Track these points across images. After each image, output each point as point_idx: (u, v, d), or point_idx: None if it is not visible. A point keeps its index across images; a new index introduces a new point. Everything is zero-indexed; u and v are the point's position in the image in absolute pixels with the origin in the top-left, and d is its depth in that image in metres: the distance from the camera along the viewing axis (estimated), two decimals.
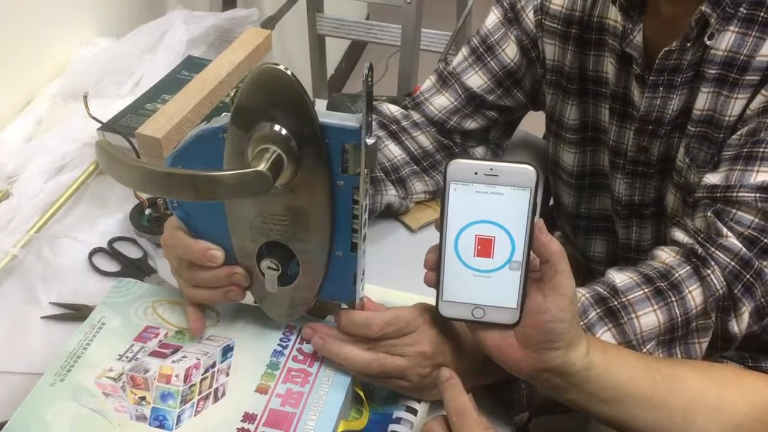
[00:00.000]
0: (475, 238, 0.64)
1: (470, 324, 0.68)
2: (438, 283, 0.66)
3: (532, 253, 0.64)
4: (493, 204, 0.62)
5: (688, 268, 0.79)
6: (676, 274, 0.79)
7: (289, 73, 0.60)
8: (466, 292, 0.65)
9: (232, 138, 0.64)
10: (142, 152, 0.98)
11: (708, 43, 0.81)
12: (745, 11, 0.80)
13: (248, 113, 0.62)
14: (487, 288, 0.65)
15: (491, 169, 0.62)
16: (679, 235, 0.83)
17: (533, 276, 0.65)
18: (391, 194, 0.97)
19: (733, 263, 0.78)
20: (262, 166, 0.60)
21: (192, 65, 1.20)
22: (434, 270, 0.66)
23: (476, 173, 0.62)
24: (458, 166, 0.62)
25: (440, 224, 0.64)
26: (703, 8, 0.79)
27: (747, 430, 0.67)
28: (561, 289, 0.63)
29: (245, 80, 0.61)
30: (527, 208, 0.62)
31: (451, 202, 0.63)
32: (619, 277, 0.80)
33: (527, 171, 0.61)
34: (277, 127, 0.61)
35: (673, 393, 0.68)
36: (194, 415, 0.68)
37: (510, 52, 0.99)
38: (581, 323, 0.76)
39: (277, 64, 0.59)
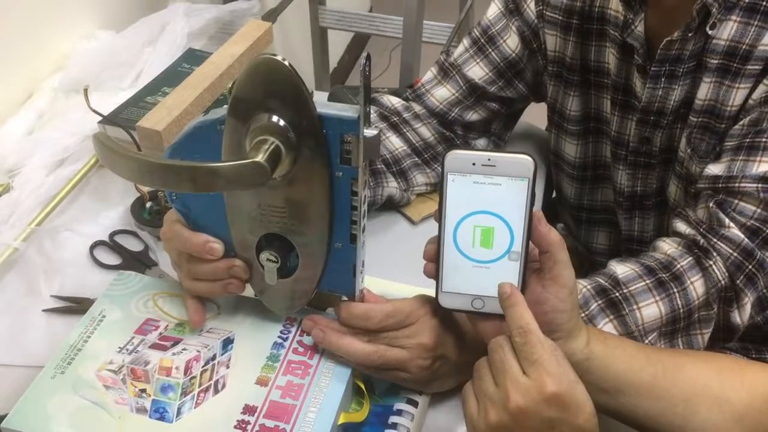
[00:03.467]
0: (474, 229, 0.64)
1: (470, 315, 0.68)
2: (437, 275, 0.66)
3: (531, 243, 0.64)
4: (491, 194, 0.62)
5: (690, 259, 0.79)
6: (678, 265, 0.78)
7: (286, 63, 0.59)
8: (466, 283, 0.65)
9: (229, 129, 0.63)
10: (143, 145, 0.98)
11: (710, 32, 0.81)
12: (747, 0, 0.79)
13: (246, 104, 0.62)
14: (486, 279, 0.65)
15: (489, 159, 0.61)
16: (681, 226, 0.83)
17: (532, 266, 0.65)
18: (392, 186, 0.96)
19: (735, 254, 0.78)
20: (260, 157, 0.59)
21: (193, 58, 1.20)
22: (433, 261, 0.66)
23: (474, 164, 0.62)
24: (456, 156, 0.62)
25: (439, 215, 0.64)
26: None
27: (750, 419, 0.67)
28: (560, 279, 0.63)
29: (242, 71, 0.61)
30: (525, 198, 0.62)
31: (450, 193, 0.63)
32: (621, 269, 0.79)
33: (525, 161, 0.61)
34: (274, 118, 0.61)
35: (674, 383, 0.67)
36: (194, 408, 0.68)
37: (511, 43, 0.98)
38: (582, 315, 0.75)
39: (275, 55, 0.59)
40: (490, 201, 0.63)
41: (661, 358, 0.69)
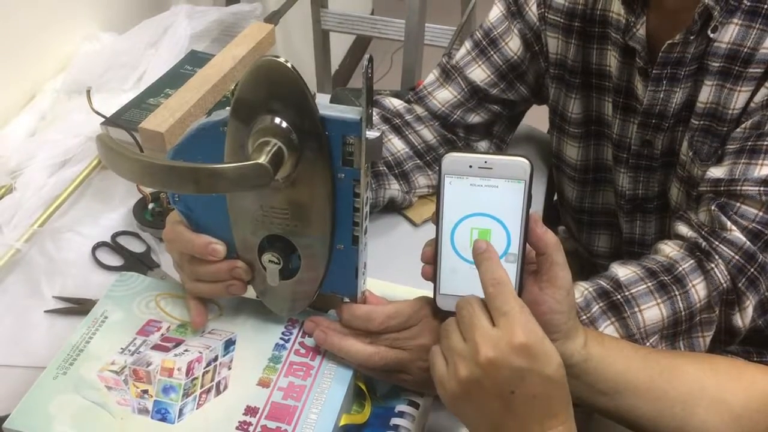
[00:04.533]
0: (471, 231, 0.64)
1: None
2: (435, 277, 0.66)
3: (528, 245, 0.64)
4: (488, 197, 0.63)
5: (692, 261, 0.79)
6: (680, 268, 0.78)
7: (289, 65, 0.59)
8: (463, 284, 0.65)
9: (232, 131, 0.64)
10: (145, 146, 0.98)
11: (711, 35, 0.81)
12: (748, 3, 0.79)
13: (248, 106, 0.62)
14: None
15: (485, 162, 0.62)
16: (683, 228, 0.83)
17: (530, 268, 0.65)
18: (394, 188, 0.96)
19: (737, 257, 0.78)
20: (263, 159, 0.60)
21: (195, 60, 1.20)
22: (431, 263, 0.66)
23: (471, 166, 0.62)
24: (453, 159, 0.62)
25: (436, 218, 0.64)
26: (706, 1, 0.79)
27: (747, 420, 0.67)
28: (557, 280, 0.63)
29: (245, 73, 0.61)
30: (522, 201, 0.62)
31: (447, 196, 0.63)
32: (623, 271, 0.79)
33: (521, 163, 0.61)
34: (277, 120, 0.61)
35: (672, 384, 0.68)
36: (196, 409, 0.68)
37: (513, 45, 0.98)
38: (584, 317, 0.76)
39: (277, 57, 0.59)
40: (487, 203, 0.63)
41: (658, 359, 0.70)
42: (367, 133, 0.62)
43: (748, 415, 0.67)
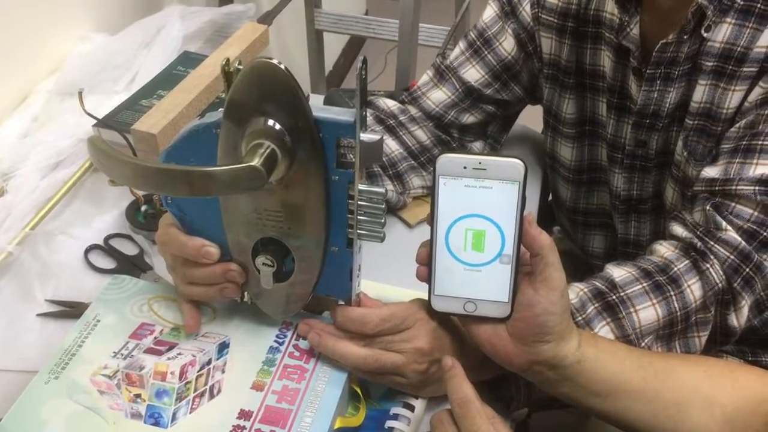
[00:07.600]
0: (466, 232, 0.64)
1: (462, 318, 0.68)
2: (430, 278, 0.66)
3: (522, 246, 0.64)
4: (482, 198, 0.63)
5: (687, 262, 0.79)
6: (675, 268, 0.78)
7: (282, 67, 0.59)
8: (458, 286, 0.65)
9: (225, 133, 0.63)
10: (138, 148, 0.97)
11: (705, 35, 0.81)
12: (741, 3, 0.79)
13: (241, 108, 0.61)
14: (478, 282, 0.65)
15: (480, 163, 0.62)
16: (678, 229, 0.83)
17: (524, 269, 0.65)
18: (388, 189, 0.96)
19: (732, 257, 0.78)
20: (256, 161, 0.59)
21: (188, 61, 1.19)
22: (426, 264, 0.66)
23: (465, 167, 0.62)
24: (447, 160, 0.62)
25: (431, 219, 0.64)
26: (699, 0, 0.79)
27: (740, 423, 0.67)
28: (551, 282, 0.63)
29: (238, 75, 0.60)
30: (516, 202, 0.62)
31: (441, 197, 0.63)
32: (618, 272, 0.79)
33: (515, 165, 0.61)
34: (270, 122, 0.61)
35: (666, 386, 0.68)
36: (189, 413, 0.68)
37: (507, 45, 0.98)
38: (580, 318, 0.75)
39: (271, 59, 0.59)
40: (482, 204, 0.63)
41: (652, 361, 0.70)
42: (367, 136, 0.62)
43: (741, 417, 0.67)
